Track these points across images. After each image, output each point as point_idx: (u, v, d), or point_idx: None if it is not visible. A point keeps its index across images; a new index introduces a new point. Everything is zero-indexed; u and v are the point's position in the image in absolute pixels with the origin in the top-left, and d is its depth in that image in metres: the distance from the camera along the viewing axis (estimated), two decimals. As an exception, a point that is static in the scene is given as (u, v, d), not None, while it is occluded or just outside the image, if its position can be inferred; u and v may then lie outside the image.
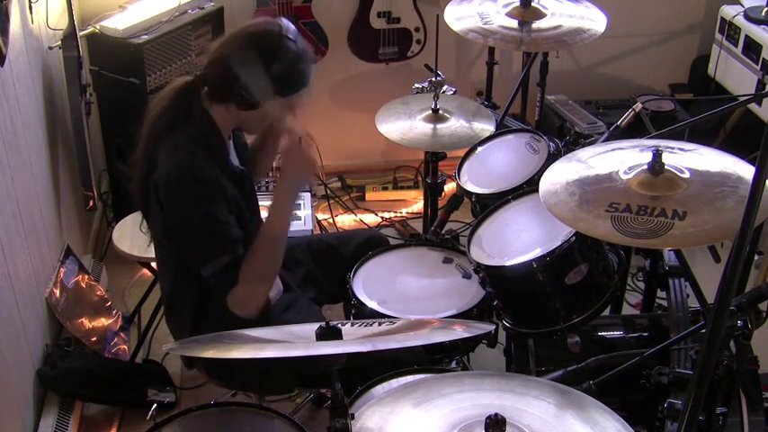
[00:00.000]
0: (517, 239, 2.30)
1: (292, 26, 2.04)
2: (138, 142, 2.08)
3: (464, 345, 2.31)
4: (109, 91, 3.22)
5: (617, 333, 2.50)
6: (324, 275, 2.47)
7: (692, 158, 1.92)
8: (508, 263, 2.18)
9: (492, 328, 1.95)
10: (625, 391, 2.24)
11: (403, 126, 2.74)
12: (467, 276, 2.40)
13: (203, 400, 2.38)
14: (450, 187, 3.46)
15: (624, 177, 1.87)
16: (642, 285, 2.78)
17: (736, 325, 1.73)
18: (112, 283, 3.32)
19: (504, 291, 2.26)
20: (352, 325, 1.66)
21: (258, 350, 1.53)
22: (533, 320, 2.25)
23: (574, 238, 2.08)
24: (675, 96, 4.02)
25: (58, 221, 2.92)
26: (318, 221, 3.55)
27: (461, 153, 2.77)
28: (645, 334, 2.49)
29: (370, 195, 4.00)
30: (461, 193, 2.69)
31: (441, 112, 2.76)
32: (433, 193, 3.01)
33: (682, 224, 1.72)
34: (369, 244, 2.52)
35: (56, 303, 2.67)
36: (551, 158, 2.48)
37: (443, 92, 2.89)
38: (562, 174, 1.95)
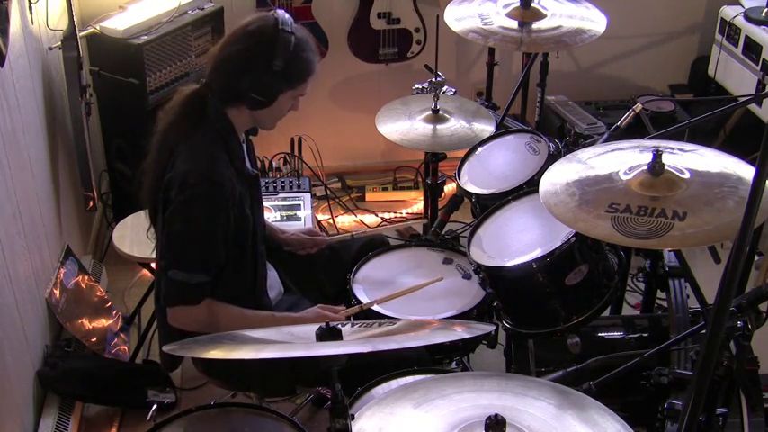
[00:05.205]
0: (517, 240, 2.29)
1: (287, 16, 2.04)
2: (146, 151, 2.09)
3: (464, 345, 2.31)
4: (109, 91, 3.22)
5: (617, 334, 2.50)
6: (325, 277, 2.47)
7: (691, 159, 1.92)
8: (508, 263, 2.18)
9: (492, 328, 1.95)
10: (625, 392, 2.24)
11: (403, 127, 2.74)
12: (467, 277, 2.40)
13: (203, 400, 2.37)
14: (450, 188, 3.46)
15: (624, 178, 1.87)
16: (642, 286, 2.78)
17: (736, 326, 1.73)
18: (112, 284, 3.31)
19: (504, 291, 2.26)
20: (353, 326, 1.66)
21: (258, 350, 1.53)
22: (533, 321, 2.25)
23: (574, 238, 2.08)
24: (675, 97, 4.01)
25: (58, 222, 2.92)
26: (318, 222, 3.55)
27: (461, 154, 2.77)
28: (645, 335, 2.49)
29: (370, 196, 4.00)
30: (461, 194, 2.69)
31: (441, 112, 2.76)
32: (433, 193, 3.01)
33: (681, 225, 1.72)
34: (370, 246, 2.53)
35: (56, 304, 2.67)
36: (551, 159, 2.48)
37: (443, 92, 2.89)
38: (562, 174, 1.95)
